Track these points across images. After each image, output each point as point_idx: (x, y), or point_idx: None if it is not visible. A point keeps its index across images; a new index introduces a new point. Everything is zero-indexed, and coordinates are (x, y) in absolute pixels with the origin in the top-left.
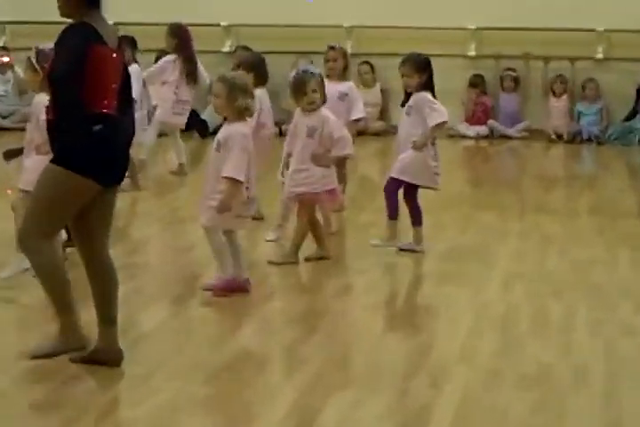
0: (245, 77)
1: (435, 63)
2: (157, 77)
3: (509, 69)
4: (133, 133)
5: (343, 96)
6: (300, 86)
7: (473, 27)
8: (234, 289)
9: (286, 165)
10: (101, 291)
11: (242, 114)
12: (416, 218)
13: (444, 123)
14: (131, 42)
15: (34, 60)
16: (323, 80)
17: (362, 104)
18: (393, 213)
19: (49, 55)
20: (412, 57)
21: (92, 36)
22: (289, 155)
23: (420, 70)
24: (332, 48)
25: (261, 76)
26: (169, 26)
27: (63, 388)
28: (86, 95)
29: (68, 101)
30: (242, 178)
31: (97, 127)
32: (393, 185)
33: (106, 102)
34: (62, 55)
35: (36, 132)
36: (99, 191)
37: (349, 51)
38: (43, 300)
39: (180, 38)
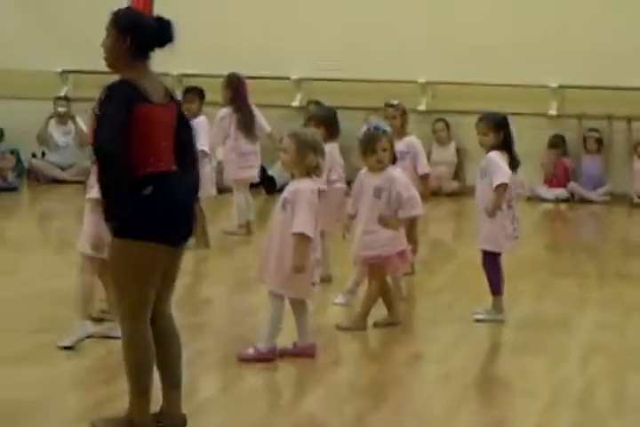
0: (317, 134)
1: (513, 122)
2: (220, 138)
3: (592, 130)
4: (197, 189)
5: (404, 154)
6: (369, 144)
7: (554, 85)
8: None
9: (347, 227)
10: (164, 354)
11: (310, 172)
12: (495, 286)
13: (504, 185)
14: (199, 93)
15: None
16: (392, 139)
17: (425, 158)
18: (496, 288)
19: None
20: (489, 115)
21: (134, 96)
22: (351, 216)
23: (496, 129)
24: (390, 105)
25: (333, 131)
26: (225, 76)
27: None
28: (133, 158)
29: (113, 170)
30: (312, 234)
31: (147, 190)
32: (484, 258)
33: (155, 161)
34: (104, 123)
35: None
36: (169, 251)
37: (424, 107)
38: (102, 359)
39: (234, 89)
